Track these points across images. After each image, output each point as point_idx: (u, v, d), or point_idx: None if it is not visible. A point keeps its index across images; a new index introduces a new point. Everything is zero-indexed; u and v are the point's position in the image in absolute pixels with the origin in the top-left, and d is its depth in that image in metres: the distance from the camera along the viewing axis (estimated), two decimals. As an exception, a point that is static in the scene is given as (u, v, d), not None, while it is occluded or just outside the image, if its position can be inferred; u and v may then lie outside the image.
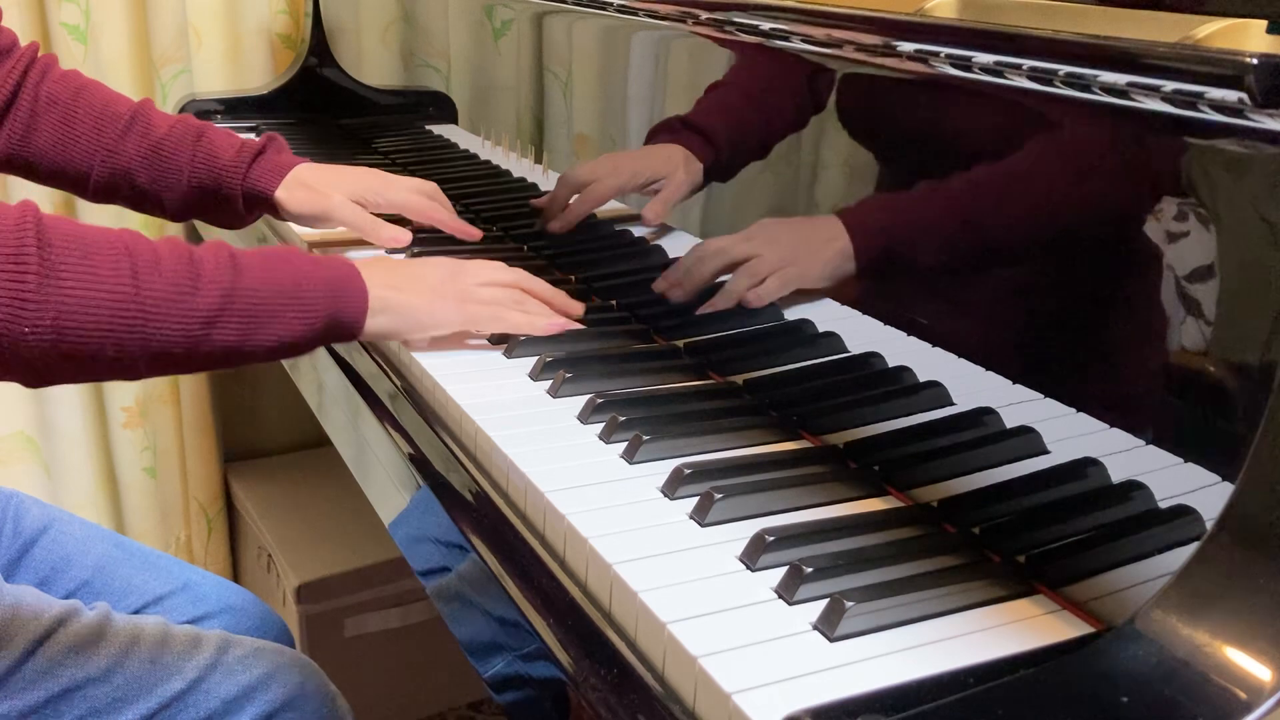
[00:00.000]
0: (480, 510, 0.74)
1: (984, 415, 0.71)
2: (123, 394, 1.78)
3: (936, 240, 0.75)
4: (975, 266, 0.73)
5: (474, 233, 1.14)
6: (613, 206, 1.09)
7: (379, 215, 1.11)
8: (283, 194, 1.08)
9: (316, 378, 1.07)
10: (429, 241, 1.16)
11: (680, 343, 0.93)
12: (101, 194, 1.09)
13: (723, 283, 0.91)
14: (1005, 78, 0.66)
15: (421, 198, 1.14)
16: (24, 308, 0.68)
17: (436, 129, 1.50)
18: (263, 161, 1.09)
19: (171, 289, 0.74)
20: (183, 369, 0.77)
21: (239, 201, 1.08)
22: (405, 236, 1.09)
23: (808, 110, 0.84)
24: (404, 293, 0.86)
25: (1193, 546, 0.53)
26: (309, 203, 1.08)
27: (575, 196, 1.10)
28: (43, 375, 0.72)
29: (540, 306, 0.93)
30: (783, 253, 0.87)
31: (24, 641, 0.84)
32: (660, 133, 0.99)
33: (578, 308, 0.95)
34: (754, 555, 0.63)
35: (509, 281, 0.93)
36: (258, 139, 1.11)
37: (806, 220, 0.85)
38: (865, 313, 0.81)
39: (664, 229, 1.02)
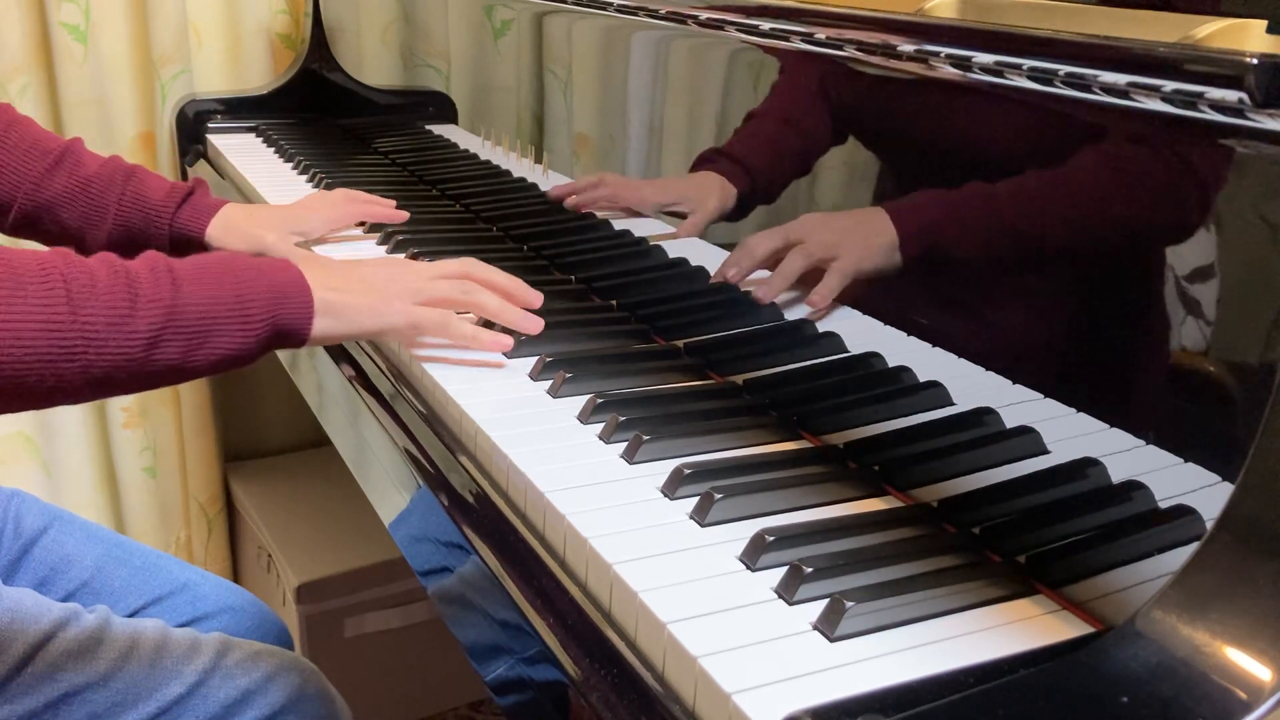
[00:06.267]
0: (480, 510, 0.74)
1: (984, 415, 0.71)
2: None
3: (959, 243, 0.75)
4: (975, 267, 0.73)
5: (400, 215, 1.18)
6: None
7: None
8: (215, 232, 1.09)
9: (316, 378, 1.07)
10: (427, 241, 1.16)
11: (680, 343, 0.93)
12: (21, 228, 1.09)
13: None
14: (1005, 78, 0.66)
15: (345, 206, 1.17)
16: None
17: (436, 129, 1.50)
18: (192, 202, 1.10)
19: (109, 312, 0.71)
20: (127, 390, 0.74)
21: (165, 243, 1.09)
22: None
23: (829, 123, 0.83)
24: (346, 294, 0.83)
25: (1193, 546, 0.53)
26: (242, 242, 1.09)
27: (600, 191, 1.10)
28: None
29: (498, 302, 0.90)
30: (830, 242, 0.85)
31: (23, 646, 0.84)
32: (700, 163, 0.98)
33: (535, 298, 0.92)
34: (754, 555, 0.63)
35: (456, 273, 0.89)
36: (186, 182, 1.12)
37: (850, 213, 0.84)
38: (865, 313, 0.81)
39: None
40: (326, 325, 0.82)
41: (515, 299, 0.91)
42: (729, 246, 0.93)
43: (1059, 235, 0.67)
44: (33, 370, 0.68)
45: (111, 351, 0.71)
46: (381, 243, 1.18)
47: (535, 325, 0.90)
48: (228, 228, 1.09)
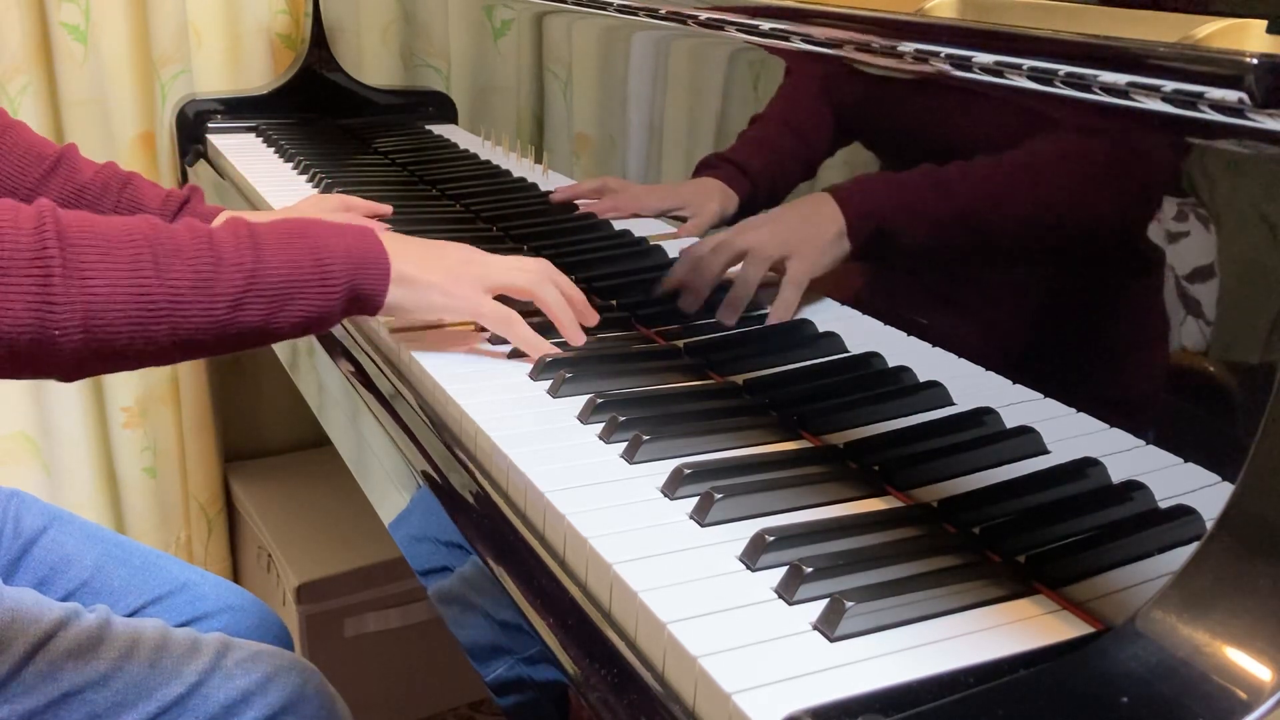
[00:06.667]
0: (480, 510, 0.74)
1: (984, 415, 0.71)
2: (123, 394, 1.78)
3: (932, 233, 0.75)
4: (974, 266, 0.73)
5: (385, 209, 1.18)
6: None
7: None
8: None
9: (316, 378, 1.07)
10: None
11: (680, 343, 0.93)
12: None
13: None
14: (1005, 78, 0.66)
15: (342, 216, 1.16)
16: (52, 310, 0.68)
17: (436, 129, 1.50)
18: (188, 210, 1.10)
19: (194, 275, 0.74)
20: (212, 351, 0.77)
21: None
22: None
23: (830, 125, 0.83)
24: (421, 269, 0.85)
25: (1193, 546, 0.53)
26: None
27: (606, 196, 1.11)
28: (75, 371, 0.72)
29: (561, 303, 0.90)
30: (779, 240, 0.85)
31: (23, 646, 0.84)
32: (701, 169, 0.98)
33: (593, 316, 0.94)
34: (754, 555, 0.63)
35: (532, 268, 0.90)
36: (181, 189, 1.12)
37: (797, 203, 0.84)
38: (865, 313, 0.81)
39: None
40: (399, 296, 0.84)
41: (576, 309, 0.92)
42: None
43: (1058, 235, 0.67)
44: (123, 332, 0.71)
45: (196, 314, 0.74)
46: (381, 243, 1.18)
47: (580, 338, 0.91)
48: None
